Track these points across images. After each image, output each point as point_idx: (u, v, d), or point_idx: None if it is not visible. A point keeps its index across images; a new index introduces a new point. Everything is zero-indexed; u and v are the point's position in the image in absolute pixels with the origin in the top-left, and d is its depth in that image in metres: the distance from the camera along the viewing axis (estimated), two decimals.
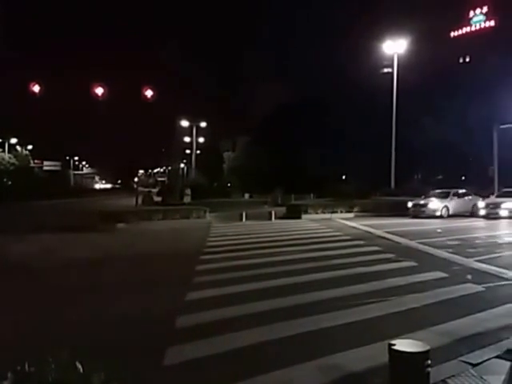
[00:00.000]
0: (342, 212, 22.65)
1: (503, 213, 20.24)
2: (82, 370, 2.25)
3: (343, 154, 46.53)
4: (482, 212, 21.03)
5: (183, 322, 5.64)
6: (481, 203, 21.57)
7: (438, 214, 21.35)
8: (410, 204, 22.57)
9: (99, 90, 21.71)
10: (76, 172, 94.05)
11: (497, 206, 20.76)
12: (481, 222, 19.28)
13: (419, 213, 21.66)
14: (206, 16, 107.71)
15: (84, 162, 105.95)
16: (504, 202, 20.71)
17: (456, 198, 22.60)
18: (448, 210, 21.65)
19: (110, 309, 6.39)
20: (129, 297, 7.06)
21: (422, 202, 22.32)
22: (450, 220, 20.18)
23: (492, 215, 20.39)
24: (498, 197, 22.14)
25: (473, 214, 21.60)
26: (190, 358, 4.48)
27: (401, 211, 22.14)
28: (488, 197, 22.58)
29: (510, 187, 22.80)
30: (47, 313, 6.24)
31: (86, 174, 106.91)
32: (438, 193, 23.39)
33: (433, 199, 22.29)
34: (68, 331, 5.35)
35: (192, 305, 6.40)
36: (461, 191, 23.53)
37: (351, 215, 22.29)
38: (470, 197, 23.01)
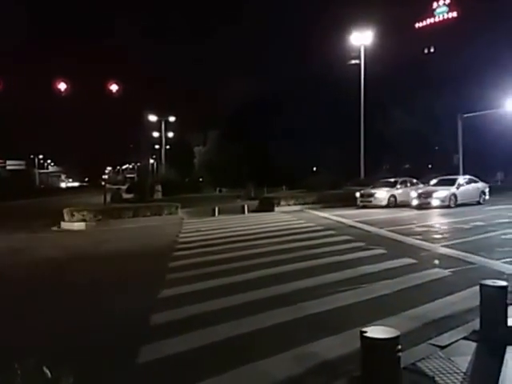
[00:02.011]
0: (313, 203, 22.85)
1: (434, 202, 19.47)
2: (49, 374, 2.19)
3: (314, 145, 46.96)
4: (415, 202, 20.14)
5: (157, 319, 5.59)
6: (413, 193, 20.64)
7: (385, 203, 20.87)
8: (357, 194, 22.15)
9: (62, 86, 21.06)
10: (41, 171, 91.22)
11: (428, 195, 19.92)
12: (408, 213, 18.15)
13: (367, 203, 21.25)
14: (171, 7, 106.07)
15: (49, 161, 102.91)
16: (436, 190, 20.01)
17: (404, 187, 22.02)
18: (395, 199, 21.23)
19: (82, 309, 6.26)
20: (101, 296, 6.94)
21: (369, 191, 21.85)
22: (391, 210, 19.64)
23: (424, 205, 19.58)
24: (434, 185, 21.17)
25: None
26: (164, 354, 4.45)
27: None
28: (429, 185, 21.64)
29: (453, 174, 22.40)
30: (16, 314, 6.08)
31: (52, 172, 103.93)
32: (387, 182, 22.73)
33: (380, 189, 21.76)
34: (40, 332, 5.23)
35: (166, 302, 6.34)
36: (410, 180, 22.85)
37: (320, 206, 22.45)
38: (420, 185, 22.31)
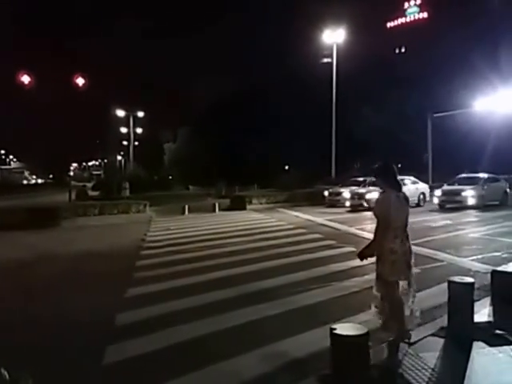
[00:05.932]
0: (285, 202, 22.94)
1: (367, 204, 18.59)
2: (7, 376, 2.03)
3: (286, 144, 47.10)
4: (348, 203, 19.87)
5: (123, 319, 5.41)
6: (346, 193, 20.30)
7: None
8: (326, 193, 22.10)
9: (25, 79, 20.11)
10: (3, 167, 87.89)
11: (361, 196, 19.28)
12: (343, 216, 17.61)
13: (335, 202, 21.08)
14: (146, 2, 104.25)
15: (11, 156, 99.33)
16: (369, 191, 18.96)
17: (372, 186, 20.88)
18: None
19: (46, 310, 5.99)
20: (66, 297, 6.64)
21: (337, 190, 21.67)
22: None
23: (357, 207, 19.13)
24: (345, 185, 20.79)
25: None
26: (130, 355, 4.31)
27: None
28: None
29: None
30: None
31: (15, 168, 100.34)
32: (355, 181, 22.27)
33: (348, 188, 21.19)
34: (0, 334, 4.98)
35: (132, 301, 6.17)
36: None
37: (292, 204, 22.53)
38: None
